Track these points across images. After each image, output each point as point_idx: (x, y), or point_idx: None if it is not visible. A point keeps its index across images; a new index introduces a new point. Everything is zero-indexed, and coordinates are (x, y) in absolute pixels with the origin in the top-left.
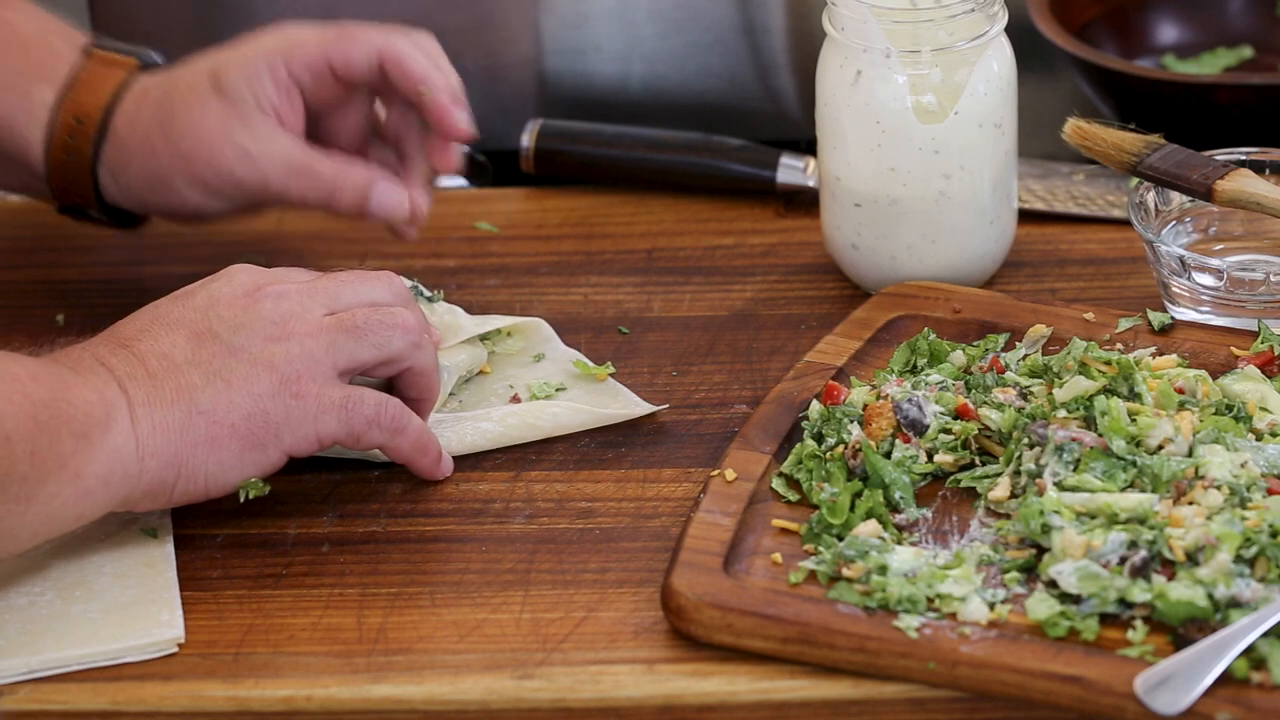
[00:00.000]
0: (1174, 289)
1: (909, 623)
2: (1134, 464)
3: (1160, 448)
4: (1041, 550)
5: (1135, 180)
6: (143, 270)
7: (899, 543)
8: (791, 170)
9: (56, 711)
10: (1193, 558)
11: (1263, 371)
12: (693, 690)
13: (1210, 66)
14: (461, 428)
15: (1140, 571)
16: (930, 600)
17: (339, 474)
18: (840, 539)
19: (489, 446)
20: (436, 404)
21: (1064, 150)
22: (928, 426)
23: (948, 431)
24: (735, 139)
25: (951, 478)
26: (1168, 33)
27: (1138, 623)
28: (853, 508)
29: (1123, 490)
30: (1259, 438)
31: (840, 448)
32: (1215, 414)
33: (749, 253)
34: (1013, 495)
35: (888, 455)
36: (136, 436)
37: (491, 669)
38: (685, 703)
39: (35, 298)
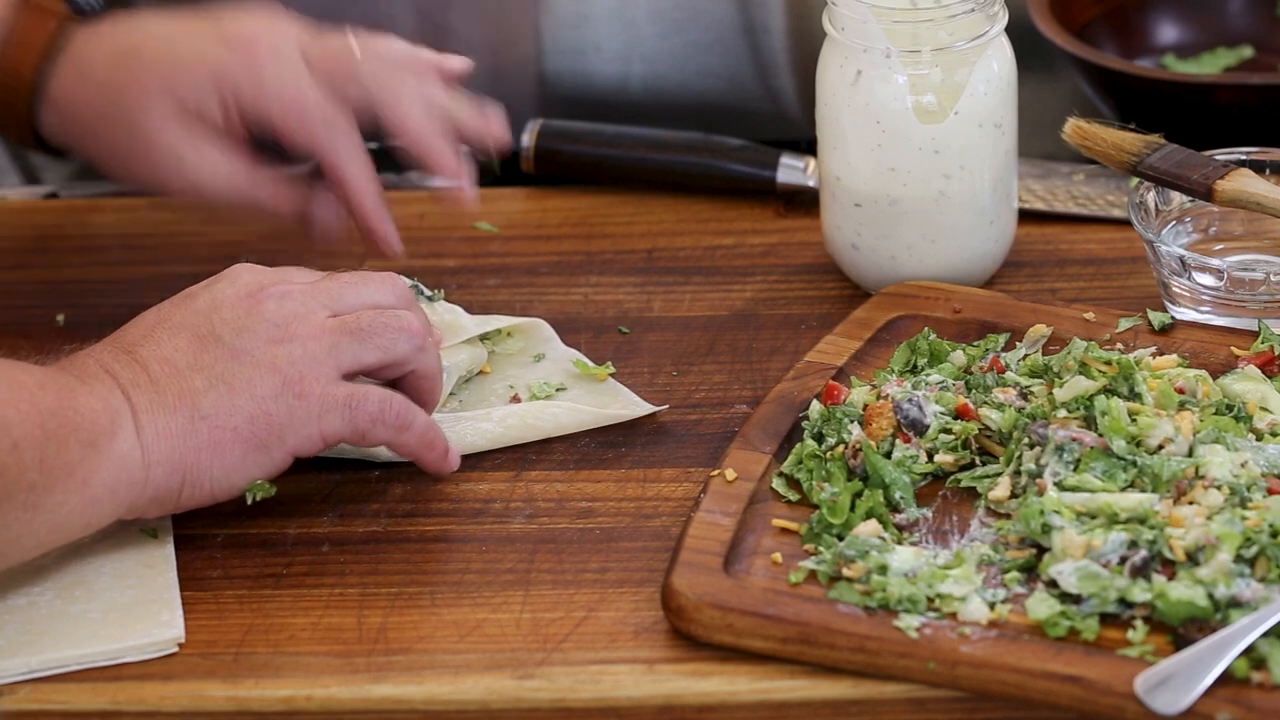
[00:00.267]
0: (1174, 289)
1: (909, 623)
2: (1134, 464)
3: (1160, 448)
4: (1042, 550)
5: (1135, 180)
6: (143, 270)
7: (899, 543)
8: (791, 170)
9: (56, 711)
10: (1193, 558)
11: (1263, 371)
12: (693, 690)
13: (1210, 66)
14: (461, 428)
15: (1140, 571)
16: (930, 600)
17: (339, 474)
18: (840, 539)
19: (489, 447)
20: (437, 404)
21: (1064, 150)
22: (928, 426)
23: (948, 431)
24: (735, 139)
25: (952, 478)
26: (1168, 33)
27: (1138, 623)
28: (853, 508)
29: (1123, 490)
30: (1259, 438)
31: (840, 447)
32: (1215, 414)
33: (749, 253)
34: (1013, 495)
35: (888, 455)
36: (141, 444)
37: (491, 669)
38: (685, 703)
39: (35, 298)
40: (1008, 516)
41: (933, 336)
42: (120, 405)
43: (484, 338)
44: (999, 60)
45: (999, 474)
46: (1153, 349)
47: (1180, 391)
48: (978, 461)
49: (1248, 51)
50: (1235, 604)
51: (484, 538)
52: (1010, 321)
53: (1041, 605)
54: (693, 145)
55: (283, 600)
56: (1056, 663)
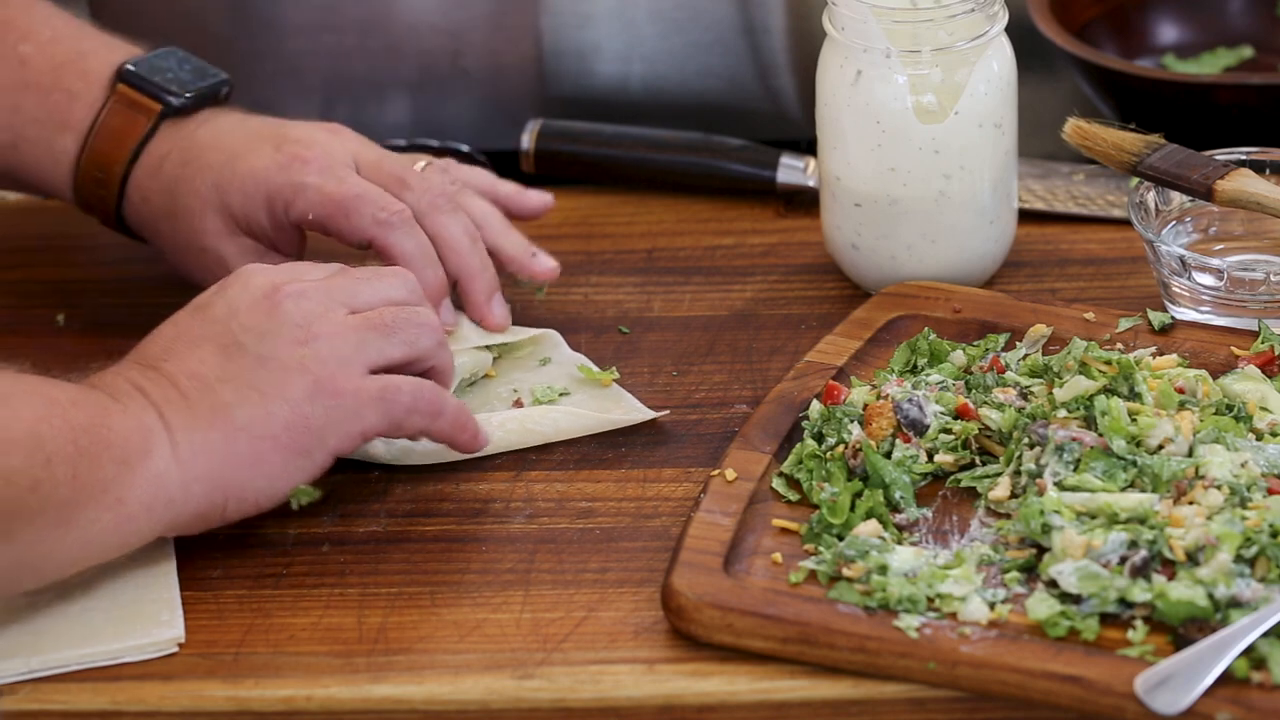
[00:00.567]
0: (1174, 289)
1: (909, 623)
2: (1134, 464)
3: (1160, 447)
4: (1042, 550)
5: (1135, 180)
6: (143, 270)
7: (899, 542)
8: (791, 170)
9: (56, 711)
10: (1193, 557)
11: (1263, 371)
12: (693, 690)
13: (1210, 66)
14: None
15: (1140, 571)
16: (930, 600)
17: (339, 474)
18: (840, 539)
19: (489, 452)
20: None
21: (1064, 150)
22: (928, 426)
23: (948, 431)
24: (735, 139)
25: (952, 477)
26: (1168, 33)
27: (1138, 623)
28: (853, 507)
29: (1123, 490)
30: (1259, 437)
31: (840, 447)
32: (1215, 414)
33: (749, 253)
34: (1013, 495)
35: (888, 455)
36: (178, 462)
37: (491, 669)
38: (685, 703)
39: (35, 298)
40: (1008, 516)
41: (933, 336)
42: (154, 423)
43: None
44: (999, 60)
45: (999, 474)
46: (1153, 349)
47: (1180, 391)
48: (978, 461)
49: (1248, 51)
50: (1235, 604)
51: (484, 538)
52: (1010, 321)
53: (1041, 605)
54: (693, 145)
55: (283, 600)
56: (1056, 663)
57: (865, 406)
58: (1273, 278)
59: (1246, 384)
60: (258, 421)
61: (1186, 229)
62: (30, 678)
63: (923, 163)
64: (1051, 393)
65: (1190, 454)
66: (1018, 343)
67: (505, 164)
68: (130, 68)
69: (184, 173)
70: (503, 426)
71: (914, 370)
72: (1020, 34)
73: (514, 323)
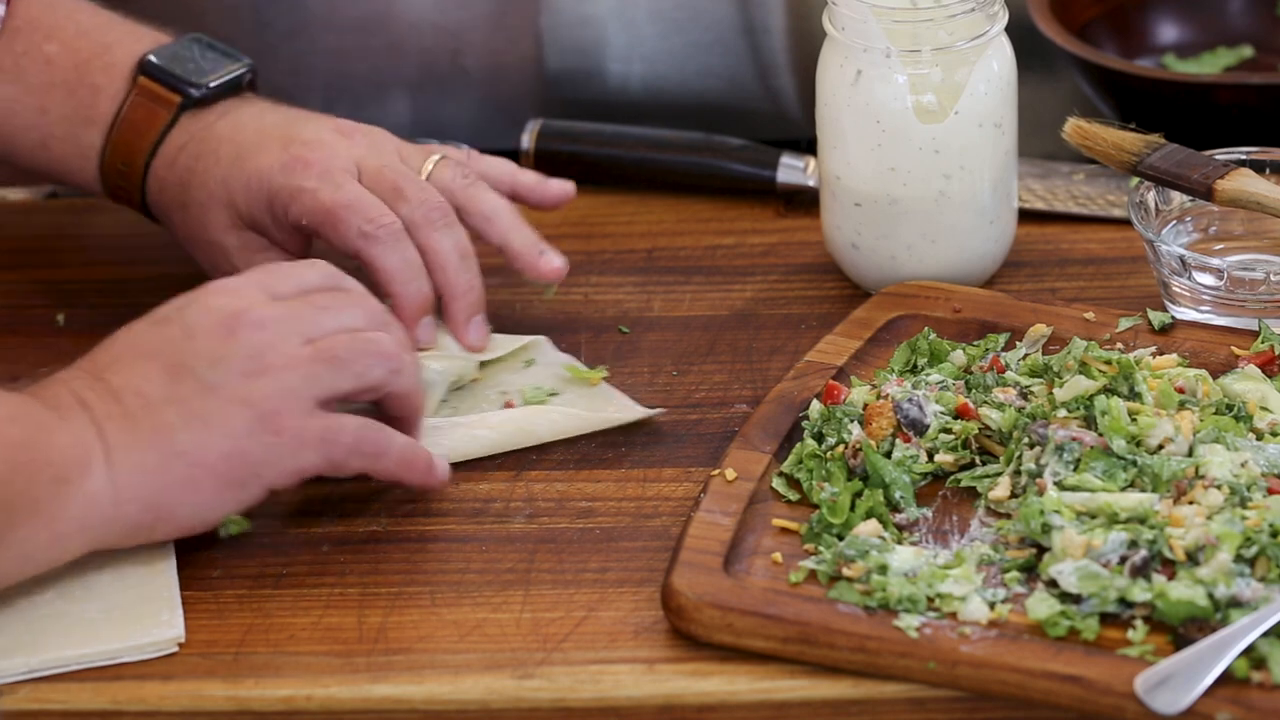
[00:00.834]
0: (1174, 288)
1: (909, 622)
2: (1134, 463)
3: (1160, 447)
4: (1041, 550)
5: (1135, 180)
6: (143, 270)
7: (899, 542)
8: (791, 170)
9: (56, 711)
10: (1193, 557)
11: (1263, 371)
12: (693, 690)
13: (1210, 66)
14: (457, 434)
15: (1140, 571)
16: (930, 600)
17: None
18: (840, 538)
19: (485, 453)
20: (429, 411)
21: (1064, 150)
22: (928, 426)
23: (948, 431)
24: (735, 139)
25: (952, 477)
26: (1168, 32)
27: (1138, 622)
28: (853, 507)
29: (1123, 490)
30: (1259, 437)
31: (840, 447)
32: (1215, 413)
33: (749, 252)
34: (1013, 495)
35: (888, 455)
36: (114, 481)
37: (491, 669)
38: (685, 703)
39: (35, 298)
40: (1008, 516)
41: (933, 336)
42: (93, 441)
43: None
44: (999, 60)
45: (999, 474)
46: (1153, 349)
47: (1180, 391)
48: (978, 461)
49: (1248, 51)
50: (1235, 604)
51: (484, 538)
52: (1010, 321)
53: (1041, 605)
54: (693, 145)
55: (283, 600)
56: (1056, 663)
57: (865, 406)
58: (1273, 277)
59: (1246, 384)
60: (196, 449)
61: (1186, 229)
62: (30, 678)
63: (923, 162)
64: (1051, 393)
65: (1190, 454)
66: (1018, 343)
67: None
68: (151, 59)
69: (197, 165)
70: (500, 428)
71: (914, 370)
72: (1020, 34)
73: (516, 320)
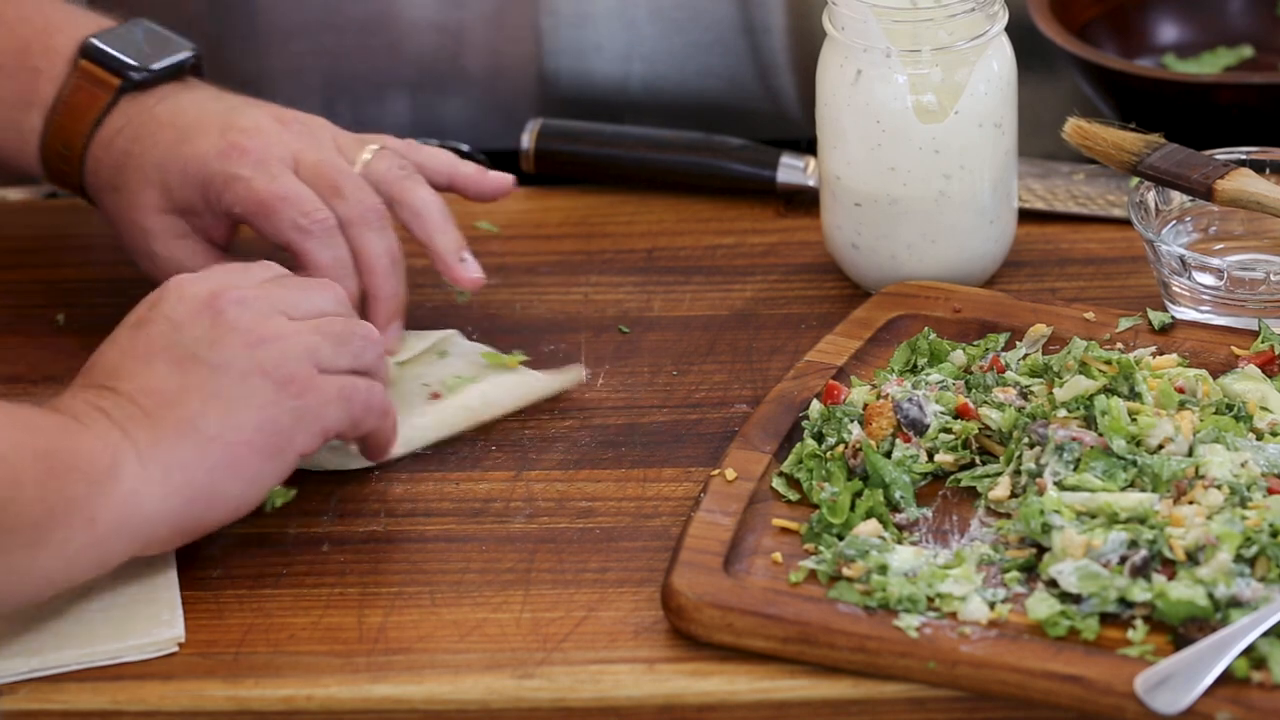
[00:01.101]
0: (1174, 288)
1: (909, 622)
2: (1134, 463)
3: (1160, 447)
4: (1042, 550)
5: (1135, 180)
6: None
7: (899, 542)
8: (791, 170)
9: (56, 711)
10: (1193, 557)
11: (1263, 371)
12: (693, 690)
13: (1210, 66)
14: (400, 430)
15: (1140, 571)
16: (930, 600)
17: (339, 474)
18: (840, 538)
19: (427, 443)
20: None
21: (1064, 150)
22: (928, 426)
23: (948, 431)
24: (735, 139)
25: (952, 477)
26: (1168, 32)
27: (1138, 622)
28: (853, 507)
29: (1123, 490)
30: (1259, 437)
31: (840, 447)
32: (1215, 413)
33: (749, 252)
34: (1013, 495)
35: (888, 455)
36: (151, 480)
37: (491, 669)
38: (685, 702)
39: (35, 298)
40: (1008, 516)
41: (933, 336)
42: (119, 442)
43: None
44: (999, 60)
45: (999, 474)
46: (1153, 348)
47: (1180, 391)
48: (978, 461)
49: (1248, 51)
50: (1235, 604)
51: (484, 538)
52: (1010, 321)
53: (1041, 605)
54: (693, 145)
55: (283, 600)
56: (1056, 662)
57: (865, 406)
58: (1273, 277)
59: (1246, 384)
60: (228, 429)
61: (1186, 229)
62: (30, 678)
63: (923, 162)
64: (1051, 392)
65: (1190, 454)
66: (1018, 342)
67: (505, 164)
68: (94, 42)
69: (133, 148)
70: (435, 414)
71: (914, 370)
72: (1020, 34)
73: (516, 320)
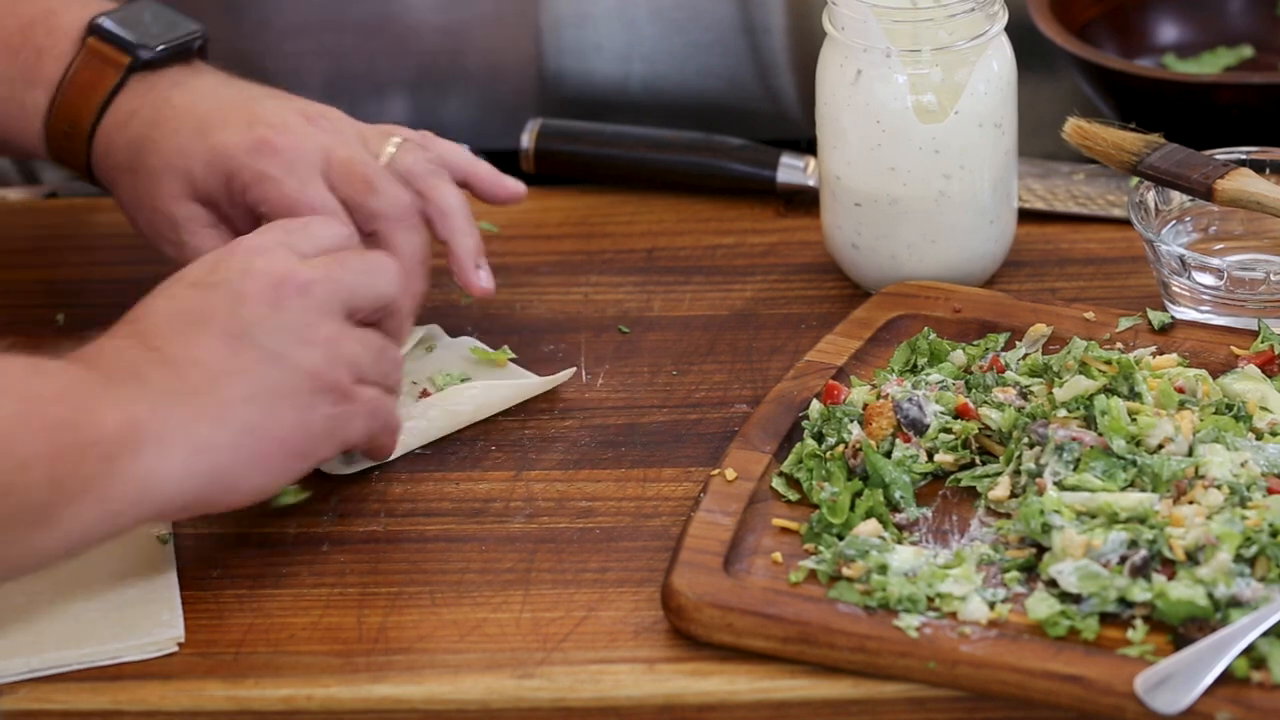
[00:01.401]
0: (1174, 288)
1: (909, 622)
2: (1134, 463)
3: (1160, 447)
4: (1041, 550)
5: (1135, 180)
6: (142, 270)
7: (899, 542)
8: (791, 170)
9: (56, 711)
10: (1193, 557)
11: (1263, 371)
12: (693, 690)
13: (1210, 66)
14: None
15: (1140, 571)
16: (930, 600)
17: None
18: (840, 538)
19: (419, 443)
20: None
21: (1064, 150)
22: (928, 426)
23: (948, 431)
24: (735, 139)
25: (951, 477)
26: (1168, 32)
27: (1138, 622)
28: (853, 507)
29: (1123, 490)
30: (1259, 437)
31: (840, 447)
32: (1215, 413)
33: (749, 252)
34: (1013, 495)
35: (888, 455)
36: (175, 459)
37: (491, 668)
38: (685, 702)
39: (35, 298)
40: (1008, 516)
41: (933, 336)
42: (145, 417)
43: None
44: (999, 60)
45: (999, 474)
46: (1153, 348)
47: (1180, 391)
48: (978, 461)
49: (1248, 51)
50: (1235, 603)
51: (484, 537)
52: (1010, 321)
53: (1041, 605)
54: (693, 145)
55: (283, 600)
56: (1056, 662)
57: (865, 406)
58: (1273, 277)
59: (1246, 383)
60: (267, 423)
61: (1186, 228)
62: (30, 678)
63: (923, 162)
64: (1051, 392)
65: (1190, 454)
66: (1018, 342)
67: (505, 163)
68: (102, 21)
69: (151, 133)
70: (425, 415)
71: (914, 370)
72: (1020, 34)
73: (516, 320)
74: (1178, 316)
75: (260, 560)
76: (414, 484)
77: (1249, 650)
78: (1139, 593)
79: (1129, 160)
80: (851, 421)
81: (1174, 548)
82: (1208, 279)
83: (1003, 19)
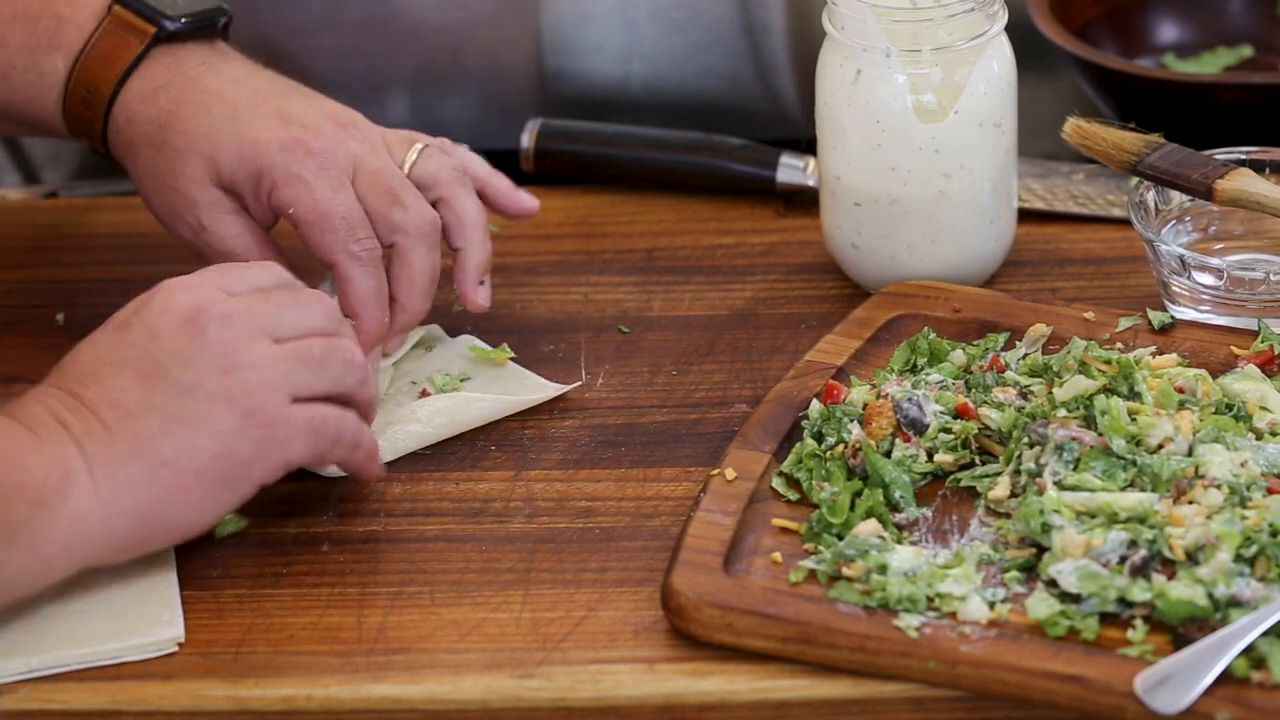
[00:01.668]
0: (1174, 288)
1: (909, 622)
2: (1134, 463)
3: (1160, 447)
4: (1041, 549)
5: (1135, 179)
6: (142, 270)
7: (899, 542)
8: (791, 170)
9: (56, 711)
10: (1193, 557)
11: (1263, 371)
12: (693, 690)
13: (1210, 66)
14: (390, 432)
15: (1140, 571)
16: (930, 599)
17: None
18: (840, 538)
19: (418, 446)
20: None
21: (1064, 150)
22: (928, 426)
23: (948, 431)
24: (735, 139)
25: (951, 477)
26: (1168, 32)
27: (1138, 622)
28: (853, 507)
29: (1123, 489)
30: (1259, 437)
31: (840, 447)
32: (1215, 413)
33: (749, 252)
34: (1013, 494)
35: (888, 454)
36: (99, 499)
37: (491, 668)
38: (685, 702)
39: (35, 297)
40: (1007, 516)
41: (932, 336)
42: (73, 459)
43: None
44: (999, 60)
45: (999, 473)
46: (1152, 348)
47: (1180, 391)
48: (977, 461)
49: (1248, 51)
50: (1235, 603)
51: (484, 537)
52: (1010, 321)
53: (1041, 605)
54: (693, 145)
55: (283, 600)
56: (1056, 662)
57: (865, 406)
58: (1272, 277)
59: (1246, 383)
60: (184, 455)
61: (1186, 228)
62: (30, 678)
63: (923, 162)
64: (1051, 392)
65: (1190, 453)
66: (1017, 342)
67: (505, 163)
68: None
69: (179, 110)
70: (430, 421)
71: (914, 369)
72: (1020, 34)
73: (516, 320)
74: (1178, 316)
75: (260, 560)
76: (414, 484)
77: (1249, 650)
78: (1139, 593)
79: (1129, 160)
80: (851, 421)
81: (1174, 548)
82: (1208, 279)
83: (1003, 19)
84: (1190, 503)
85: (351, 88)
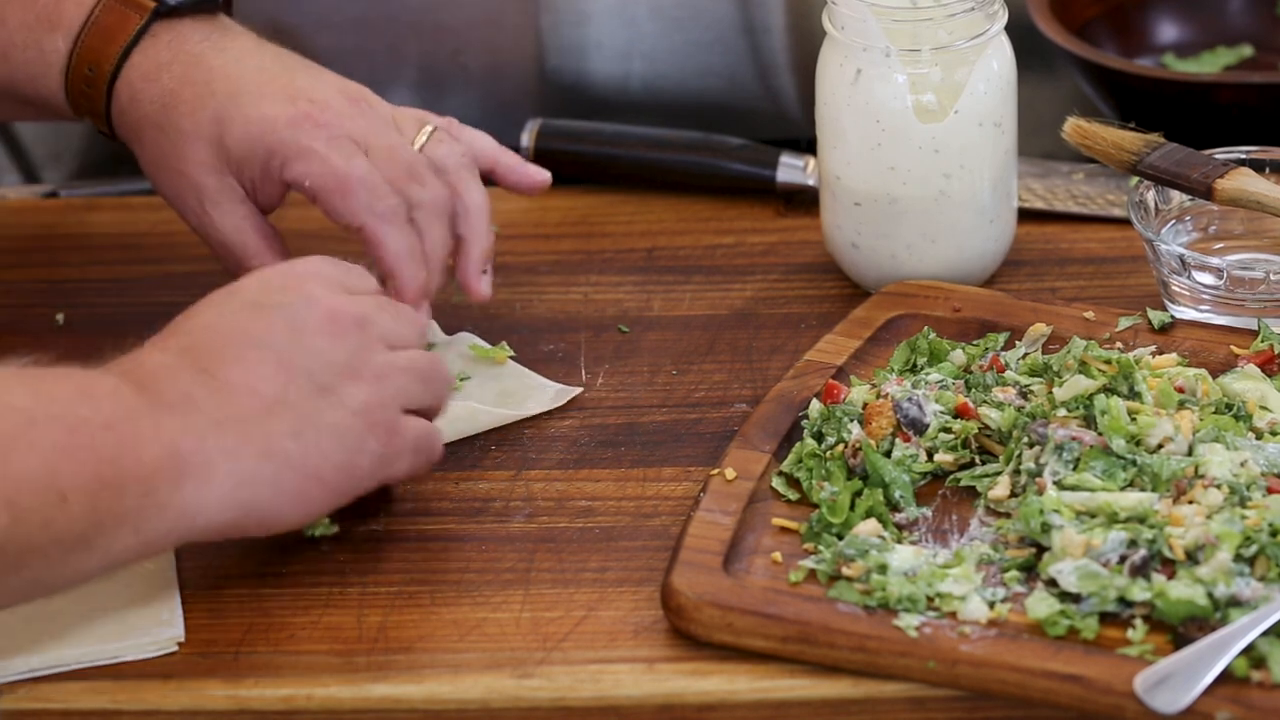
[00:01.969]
0: (1174, 288)
1: (909, 622)
2: (1134, 463)
3: (1160, 447)
4: (1041, 549)
5: (1135, 179)
6: (142, 269)
7: (899, 542)
8: (791, 169)
9: (56, 711)
10: (1193, 556)
11: (1263, 370)
12: (693, 689)
13: (1210, 65)
14: None
15: (1140, 570)
16: (930, 599)
17: None
18: (840, 538)
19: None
20: None
21: (1064, 150)
22: (928, 425)
23: (948, 430)
24: (735, 138)
25: (951, 477)
26: (1168, 32)
27: (1137, 622)
28: (853, 507)
29: (1122, 489)
30: (1259, 436)
31: (840, 446)
32: (1215, 413)
33: (749, 252)
34: (1012, 494)
35: (888, 454)
36: (217, 493)
37: (491, 668)
38: (685, 702)
39: (35, 297)
40: (1007, 515)
41: (932, 335)
42: (191, 450)
43: None
44: (999, 59)
45: (999, 473)
46: (1152, 348)
47: (1180, 390)
48: (977, 461)
49: (1248, 50)
50: (1235, 603)
51: (484, 537)
52: (1010, 320)
53: (1041, 604)
54: (693, 144)
55: (283, 599)
56: (1056, 662)
57: (865, 405)
58: (1272, 277)
59: (1246, 383)
60: (311, 460)
61: (1186, 228)
62: (30, 677)
63: (922, 162)
64: (1051, 392)
65: (1190, 453)
66: (1017, 342)
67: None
68: None
69: (184, 91)
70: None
71: (914, 369)
72: (1020, 33)
73: (516, 319)
74: (1177, 316)
75: (260, 560)
76: (414, 483)
77: (1249, 650)
78: (1139, 592)
79: (1129, 160)
80: (851, 421)
81: (1174, 547)
82: (1207, 278)
83: (1002, 18)
84: (1190, 502)
85: None
